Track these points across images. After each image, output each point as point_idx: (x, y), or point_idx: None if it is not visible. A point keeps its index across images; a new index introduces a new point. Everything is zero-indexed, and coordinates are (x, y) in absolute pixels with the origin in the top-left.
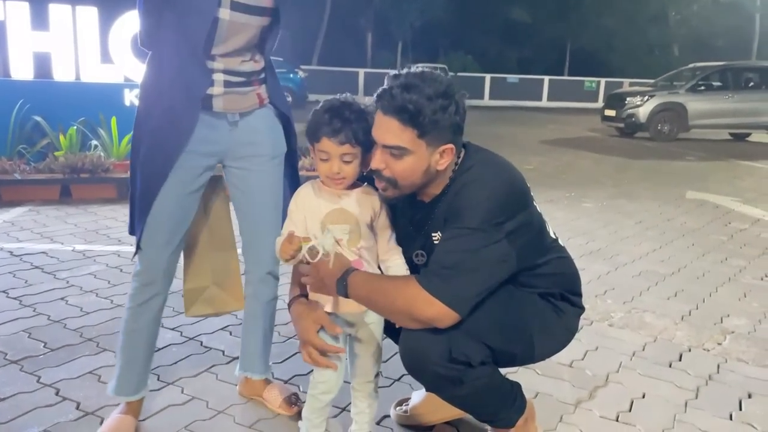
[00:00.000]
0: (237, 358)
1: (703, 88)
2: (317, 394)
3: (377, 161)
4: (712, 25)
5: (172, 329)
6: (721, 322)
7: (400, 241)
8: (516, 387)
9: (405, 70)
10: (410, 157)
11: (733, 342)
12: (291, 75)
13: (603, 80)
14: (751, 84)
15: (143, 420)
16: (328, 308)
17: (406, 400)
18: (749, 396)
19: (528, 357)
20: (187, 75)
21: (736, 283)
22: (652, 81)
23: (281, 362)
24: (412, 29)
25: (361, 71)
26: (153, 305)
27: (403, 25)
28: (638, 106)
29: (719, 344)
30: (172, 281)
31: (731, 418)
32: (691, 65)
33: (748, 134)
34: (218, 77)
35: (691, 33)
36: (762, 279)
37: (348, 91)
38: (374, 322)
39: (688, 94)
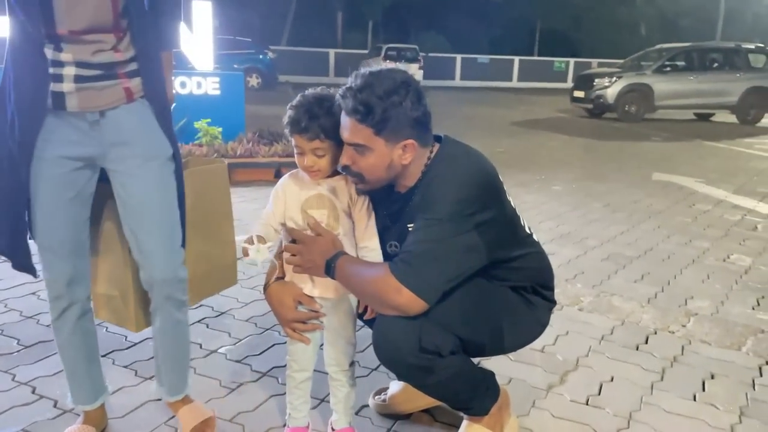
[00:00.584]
0: (215, 351)
1: (669, 69)
2: (291, 373)
3: (344, 158)
4: (678, 5)
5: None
6: (686, 304)
7: (379, 233)
8: (488, 375)
9: (363, 70)
10: (371, 153)
11: (697, 324)
12: (260, 56)
13: (572, 60)
14: (716, 65)
15: (122, 417)
16: (306, 291)
17: (385, 389)
18: (712, 377)
19: (498, 348)
20: (29, 70)
21: (700, 264)
22: (620, 61)
23: (259, 354)
24: (382, 9)
25: (332, 51)
26: (69, 317)
27: (373, 5)
28: (606, 87)
29: (683, 326)
30: (87, 288)
31: (695, 399)
32: (657, 46)
33: (712, 114)
34: (68, 71)
35: (658, 13)
36: (724, 260)
37: (318, 71)
38: (346, 310)
39: (654, 75)
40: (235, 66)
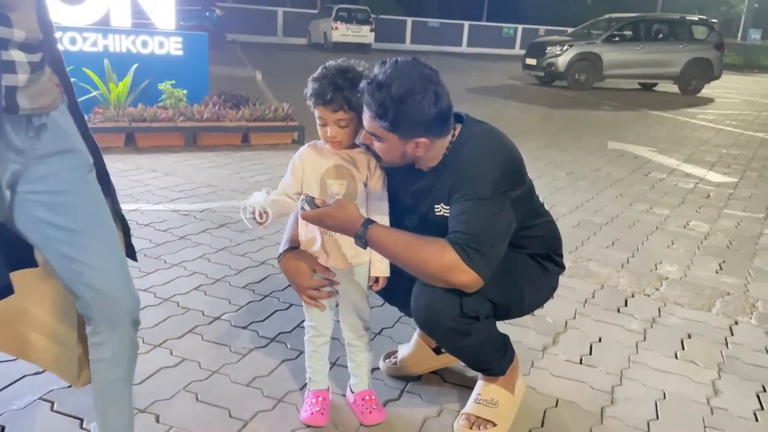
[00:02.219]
0: (218, 318)
1: (617, 39)
2: (310, 338)
3: (364, 137)
4: None
5: (145, 290)
6: (656, 268)
7: (396, 208)
8: (506, 338)
9: (390, 61)
10: (385, 143)
11: (669, 287)
12: (207, 13)
13: (520, 27)
14: (660, 36)
15: (139, 383)
16: (321, 261)
17: (394, 352)
18: (689, 336)
19: (518, 311)
20: None
21: (663, 231)
22: (566, 29)
23: (263, 320)
24: None
25: (280, 10)
26: None
27: None
28: (558, 55)
29: (657, 290)
30: None
31: (677, 357)
32: (606, 16)
33: (655, 84)
34: (19, 56)
35: None
36: (684, 227)
37: (267, 31)
38: (359, 279)
39: (603, 44)
40: (181, 23)
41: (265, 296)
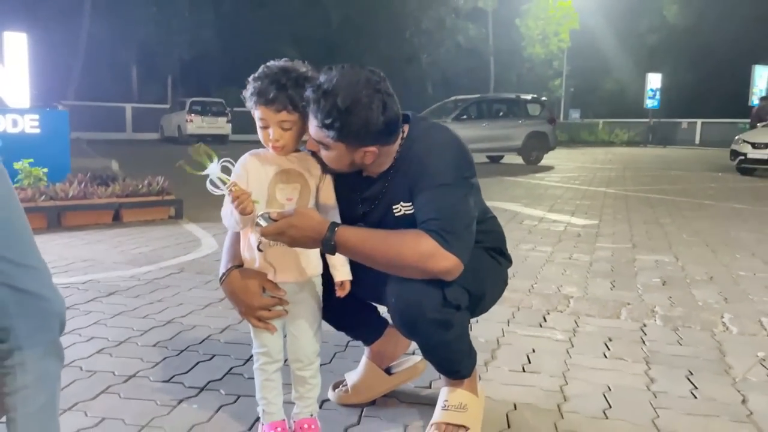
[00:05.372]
0: (134, 375)
1: (464, 117)
2: (261, 366)
3: (309, 144)
4: (456, 66)
5: None
6: (559, 291)
7: (346, 217)
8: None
9: (336, 69)
10: (332, 152)
11: (577, 303)
12: (48, 110)
13: None
14: (501, 113)
15: None
16: (270, 277)
17: (341, 381)
18: (610, 339)
19: (483, 304)
20: None
21: (553, 263)
22: (413, 112)
23: (186, 372)
24: (181, 63)
25: (128, 106)
26: None
27: (170, 59)
28: None
29: (567, 306)
30: None
31: (606, 357)
32: (452, 98)
33: (502, 156)
34: None
35: (440, 72)
36: (569, 258)
37: (114, 127)
38: (311, 294)
39: (453, 123)
40: None
41: (182, 351)
